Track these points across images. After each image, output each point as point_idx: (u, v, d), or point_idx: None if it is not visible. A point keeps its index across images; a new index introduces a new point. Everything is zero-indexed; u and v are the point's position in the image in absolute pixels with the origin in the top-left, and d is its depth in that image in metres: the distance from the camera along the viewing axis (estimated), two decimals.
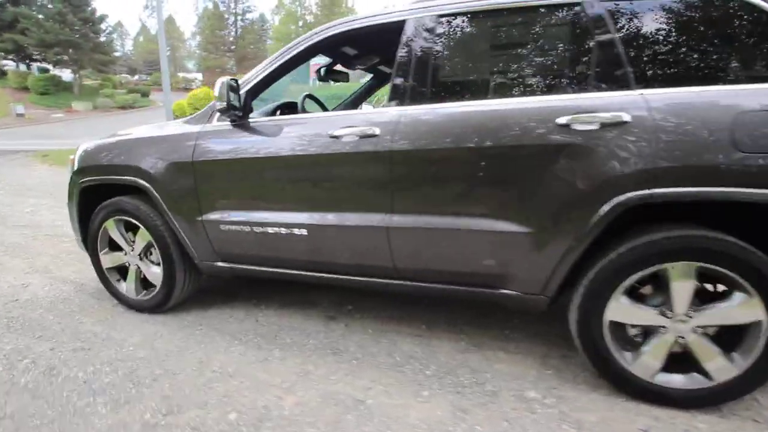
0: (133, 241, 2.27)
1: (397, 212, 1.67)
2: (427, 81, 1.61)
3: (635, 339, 1.59)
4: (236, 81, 1.81)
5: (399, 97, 1.65)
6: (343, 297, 2.47)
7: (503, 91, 1.57)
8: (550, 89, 1.51)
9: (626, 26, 1.44)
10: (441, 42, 1.62)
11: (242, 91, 1.88)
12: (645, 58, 1.42)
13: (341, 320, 2.22)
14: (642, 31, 1.43)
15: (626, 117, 1.37)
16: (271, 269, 2.01)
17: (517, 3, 1.49)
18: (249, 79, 1.92)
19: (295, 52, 1.84)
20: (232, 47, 32.45)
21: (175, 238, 2.14)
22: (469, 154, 1.52)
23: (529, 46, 1.54)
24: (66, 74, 29.64)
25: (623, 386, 1.58)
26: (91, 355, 1.92)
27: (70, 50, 27.64)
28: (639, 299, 1.51)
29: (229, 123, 1.93)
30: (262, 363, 1.83)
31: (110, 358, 1.89)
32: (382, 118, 1.65)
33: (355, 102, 3.10)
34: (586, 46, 1.46)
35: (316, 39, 1.82)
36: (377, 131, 1.64)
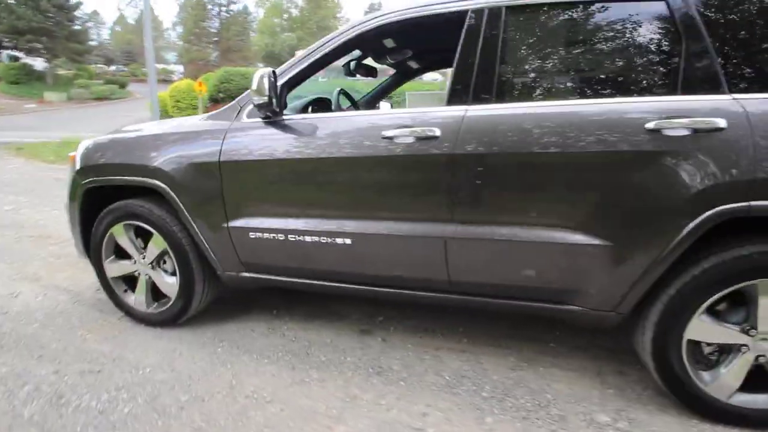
0: (144, 249, 2.06)
1: (457, 222, 1.52)
2: (494, 79, 1.47)
3: (710, 358, 1.50)
4: (275, 74, 1.62)
5: (461, 96, 1.50)
6: (371, 307, 2.31)
7: (582, 91, 1.45)
8: (636, 91, 1.39)
9: (718, 24, 1.32)
10: (512, 35, 1.48)
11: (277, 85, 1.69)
12: (738, 60, 1.31)
13: (376, 334, 2.06)
14: (735, 31, 1.32)
15: (721, 123, 1.26)
16: (304, 281, 1.83)
17: None
18: (284, 71, 1.73)
19: (338, 43, 1.66)
20: (216, 39, 31.48)
21: (194, 246, 1.93)
22: (543, 159, 1.39)
23: (611, 43, 1.41)
24: (38, 63, 28.22)
25: (697, 408, 1.48)
26: (103, 379, 1.70)
27: (44, 38, 26.29)
28: (716, 316, 1.42)
29: (261, 120, 1.74)
30: (300, 386, 1.66)
31: (126, 382, 1.68)
32: (442, 119, 1.50)
33: (372, 100, 2.93)
34: (675, 45, 1.34)
35: (362, 29, 1.65)
36: (437, 132, 1.48)
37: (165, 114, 14.98)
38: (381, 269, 1.69)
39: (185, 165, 1.82)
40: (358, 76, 2.43)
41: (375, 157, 1.55)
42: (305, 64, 1.70)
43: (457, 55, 1.51)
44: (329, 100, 2.24)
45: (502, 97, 1.48)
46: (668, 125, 1.29)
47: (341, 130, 1.62)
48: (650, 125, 1.31)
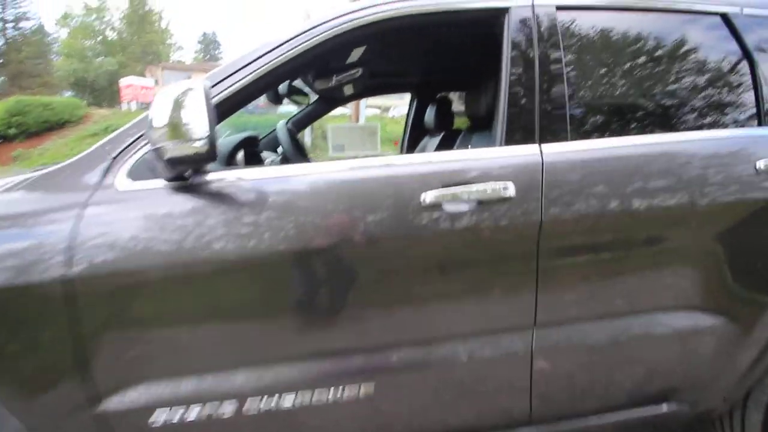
0: None
1: (542, 325, 0.98)
2: (571, 107, 1.01)
3: None
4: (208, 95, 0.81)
5: (526, 131, 0.99)
6: None
7: (678, 122, 1.11)
8: (736, 123, 1.12)
9: None
10: (583, 46, 1.06)
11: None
12: None
13: None
14: None
15: None
16: None
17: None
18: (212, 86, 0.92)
19: (320, 39, 0.94)
20: (0, 61, 24.19)
21: None
22: (653, 216, 0.99)
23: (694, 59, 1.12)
24: None
25: None
26: None
27: None
28: None
29: (166, 184, 0.89)
30: None
31: None
32: (510, 167, 0.95)
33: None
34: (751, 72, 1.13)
35: (368, 18, 0.97)
36: (511, 190, 0.93)
37: None
38: (419, 421, 1.00)
39: None
40: (285, 101, 1.71)
41: (412, 238, 0.90)
42: (253, 77, 0.92)
43: (508, 71, 1.01)
44: (259, 140, 1.45)
45: (586, 129, 1.03)
46: None
47: (341, 196, 0.91)
48: (761, 165, 1.04)
